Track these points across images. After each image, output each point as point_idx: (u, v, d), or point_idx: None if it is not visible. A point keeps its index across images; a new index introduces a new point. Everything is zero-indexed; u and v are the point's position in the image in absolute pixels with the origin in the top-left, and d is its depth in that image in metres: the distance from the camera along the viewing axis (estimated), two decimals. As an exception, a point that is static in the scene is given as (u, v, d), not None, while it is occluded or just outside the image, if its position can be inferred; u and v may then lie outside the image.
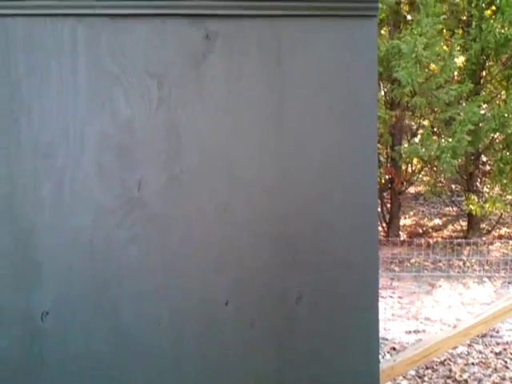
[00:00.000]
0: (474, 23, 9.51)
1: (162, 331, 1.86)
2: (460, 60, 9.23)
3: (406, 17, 9.85)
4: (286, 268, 1.88)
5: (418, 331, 5.81)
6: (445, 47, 9.00)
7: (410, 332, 5.77)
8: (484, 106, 9.62)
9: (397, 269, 8.51)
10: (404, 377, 4.49)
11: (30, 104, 1.77)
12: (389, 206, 10.91)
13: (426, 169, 10.81)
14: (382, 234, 10.62)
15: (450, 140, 8.69)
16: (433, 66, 8.76)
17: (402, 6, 9.93)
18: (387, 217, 10.80)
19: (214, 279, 1.86)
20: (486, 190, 10.92)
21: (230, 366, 1.88)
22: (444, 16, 8.70)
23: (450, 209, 13.03)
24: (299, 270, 1.88)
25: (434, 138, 9.08)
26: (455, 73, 9.56)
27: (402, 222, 11.50)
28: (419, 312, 6.49)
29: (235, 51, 1.82)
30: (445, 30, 9.73)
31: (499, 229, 11.30)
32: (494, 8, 9.38)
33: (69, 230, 1.81)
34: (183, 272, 1.85)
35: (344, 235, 1.89)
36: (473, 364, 4.88)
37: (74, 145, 1.79)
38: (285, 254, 1.88)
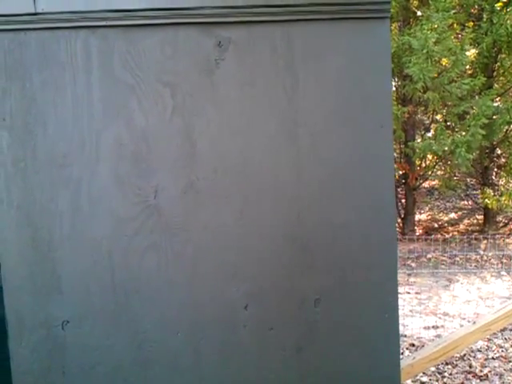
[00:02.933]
0: (484, 16, 9.43)
1: (182, 338, 1.87)
2: (471, 54, 9.16)
3: (415, 12, 9.77)
4: (304, 271, 1.88)
5: (437, 327, 5.79)
6: (456, 41, 8.93)
7: (428, 328, 5.75)
8: (497, 99, 9.54)
9: (413, 264, 8.48)
10: (424, 373, 4.47)
11: (45, 116, 1.80)
12: (403, 201, 10.87)
13: (440, 163, 10.74)
14: (398, 229, 10.58)
15: (464, 134, 8.63)
16: (444, 60, 8.70)
17: (411, 1, 9.86)
18: (402, 212, 10.76)
19: (233, 284, 1.87)
20: (501, 183, 10.84)
21: (251, 370, 1.89)
22: (454, 10, 8.63)
23: (466, 203, 12.95)
24: (317, 272, 1.88)
25: (448, 132, 9.02)
26: (467, 67, 9.48)
27: (417, 217, 11.44)
28: (437, 307, 6.46)
29: (247, 57, 1.83)
30: (455, 25, 9.65)
31: (516, 222, 11.20)
32: (504, 0, 9.28)
33: (87, 239, 1.83)
34: (202, 278, 1.86)
35: (361, 236, 1.89)
36: (493, 358, 4.85)
37: (90, 155, 1.81)
38: (302, 256, 1.88)
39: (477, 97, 9.30)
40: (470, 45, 8.92)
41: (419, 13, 9.45)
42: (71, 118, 1.80)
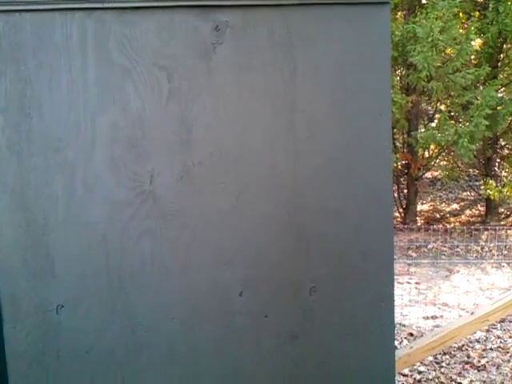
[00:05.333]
0: (490, 6, 9.33)
1: (176, 323, 1.87)
2: (476, 43, 9.09)
3: (420, 0, 9.69)
4: (299, 259, 1.87)
5: (436, 317, 5.79)
6: (461, 31, 8.86)
7: (427, 318, 5.74)
8: (502, 89, 9.47)
9: (414, 254, 8.47)
10: (422, 363, 4.48)
11: (40, 99, 1.78)
12: (405, 191, 10.84)
13: (443, 154, 10.70)
14: (399, 219, 10.57)
15: (467, 124, 8.58)
16: (449, 49, 8.63)
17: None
18: (404, 202, 10.74)
19: (228, 270, 1.87)
20: (504, 174, 10.79)
21: (245, 357, 1.89)
22: (460, -1, 8.55)
23: (468, 194, 12.91)
24: (313, 260, 1.87)
25: (451, 122, 8.97)
26: (472, 56, 9.41)
27: (418, 207, 11.42)
28: (437, 298, 6.46)
29: (245, 42, 1.80)
30: (461, 14, 9.56)
31: (518, 213, 11.17)
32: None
33: (82, 223, 1.82)
34: (196, 264, 1.86)
35: (358, 224, 1.88)
36: (491, 349, 4.85)
37: (85, 138, 1.80)
38: (297, 244, 1.87)
39: (481, 87, 9.24)
40: (475, 34, 8.84)
41: (424, 0, 9.36)
42: (66, 101, 1.78)
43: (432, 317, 5.80)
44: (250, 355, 1.89)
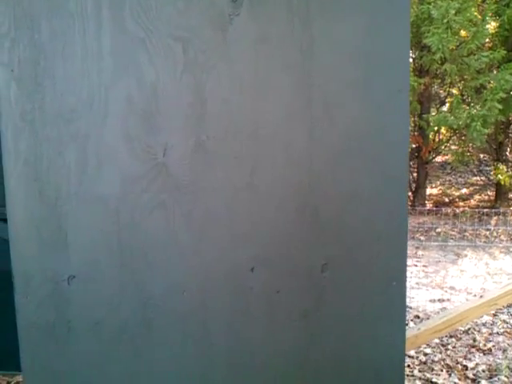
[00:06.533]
0: (507, -13, 9.16)
1: (188, 298, 1.86)
2: (492, 26, 8.95)
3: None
4: (313, 237, 1.85)
5: (443, 300, 5.80)
6: (476, 13, 8.71)
7: (434, 301, 5.75)
8: (516, 72, 9.33)
9: (422, 238, 8.46)
10: (428, 345, 4.49)
11: (53, 68, 1.75)
12: (415, 175, 10.78)
13: (454, 137, 10.62)
14: (408, 202, 10.52)
15: (480, 108, 8.49)
16: (464, 32, 8.50)
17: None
18: (413, 186, 10.69)
19: (240, 246, 1.85)
20: (515, 159, 10.70)
21: (257, 333, 1.89)
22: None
23: (478, 178, 12.83)
24: (326, 239, 1.85)
25: (464, 106, 8.87)
26: (487, 39, 9.26)
27: (428, 191, 11.38)
28: (444, 281, 6.46)
29: (262, 13, 1.76)
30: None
31: (528, 199, 11.10)
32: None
33: (94, 196, 1.81)
34: (209, 238, 1.84)
35: (372, 204, 1.85)
36: (497, 333, 4.85)
37: (99, 110, 1.77)
38: (311, 223, 1.85)
39: (495, 70, 9.12)
40: (491, 16, 8.70)
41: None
42: (80, 71, 1.76)
43: (439, 300, 5.81)
44: (261, 331, 1.88)
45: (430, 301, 5.73)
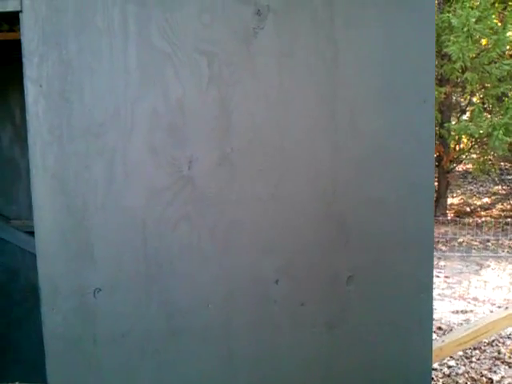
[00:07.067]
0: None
1: (213, 310, 1.86)
2: (512, 34, 8.87)
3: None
4: (339, 248, 1.85)
5: (466, 311, 5.71)
6: (496, 20, 8.65)
7: (457, 312, 5.67)
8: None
9: (444, 248, 8.37)
10: (451, 357, 4.42)
11: (81, 83, 1.78)
12: (436, 184, 10.69)
13: (476, 146, 10.51)
14: (429, 212, 10.40)
15: (502, 116, 8.41)
16: (483, 40, 8.44)
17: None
18: (434, 195, 10.58)
19: (265, 258, 1.85)
20: (538, 168, 10.55)
21: (281, 345, 1.88)
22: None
23: (499, 187, 12.67)
24: (352, 249, 1.85)
25: (485, 114, 8.80)
26: (507, 47, 9.18)
27: (449, 200, 11.27)
28: (467, 292, 6.37)
29: (287, 27, 1.77)
30: (497, 3, 9.33)
31: (551, 208, 10.93)
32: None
33: (121, 208, 1.83)
34: (234, 251, 1.85)
35: (399, 214, 1.84)
36: (523, 346, 4.77)
37: (126, 124, 1.79)
38: (337, 233, 1.84)
39: (517, 79, 9.02)
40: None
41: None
42: (107, 85, 1.78)
43: (462, 311, 5.72)
44: (285, 343, 1.87)
45: (453, 312, 5.65)
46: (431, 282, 1.87)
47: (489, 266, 7.56)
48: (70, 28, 1.77)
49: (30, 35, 1.75)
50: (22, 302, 2.96)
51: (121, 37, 1.77)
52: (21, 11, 1.75)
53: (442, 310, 5.61)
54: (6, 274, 2.98)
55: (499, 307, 5.62)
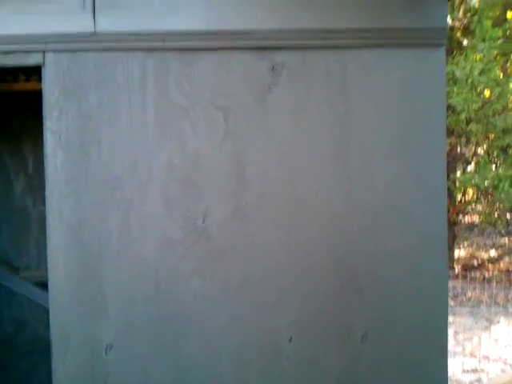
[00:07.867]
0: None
1: (224, 366, 1.83)
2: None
3: (459, 42, 9.68)
4: (351, 302, 1.83)
5: (477, 370, 5.55)
6: (499, 73, 8.78)
7: (467, 371, 5.52)
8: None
9: (452, 303, 8.23)
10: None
11: (99, 136, 1.80)
12: (442, 236, 10.61)
13: (481, 198, 10.51)
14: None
15: (507, 168, 8.44)
16: (488, 92, 8.55)
17: (454, 31, 9.78)
18: (441, 248, 10.49)
19: (277, 313, 1.83)
20: (545, 220, 10.52)
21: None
22: (500, 40, 8.52)
23: (506, 240, 12.58)
24: (365, 303, 1.83)
25: (490, 165, 8.84)
26: (511, 98, 9.30)
27: (456, 253, 11.17)
28: (477, 349, 6.22)
29: (301, 82, 1.82)
30: (498, 56, 9.51)
31: (560, 261, 10.82)
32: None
33: (135, 260, 1.82)
34: (247, 305, 1.83)
35: (412, 267, 1.84)
36: (536, 407, 4.61)
37: (142, 176, 1.81)
38: (350, 287, 1.83)
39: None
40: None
41: (465, 42, 9.35)
42: (125, 139, 1.80)
43: (473, 370, 5.57)
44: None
45: (464, 371, 5.50)
46: (446, 339, 1.85)
47: (498, 321, 7.42)
48: (91, 83, 1.80)
49: (51, 88, 1.78)
50: (30, 353, 2.90)
51: (139, 92, 1.80)
52: (43, 65, 1.78)
53: (453, 369, 5.46)
54: (13, 325, 2.92)
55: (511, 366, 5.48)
